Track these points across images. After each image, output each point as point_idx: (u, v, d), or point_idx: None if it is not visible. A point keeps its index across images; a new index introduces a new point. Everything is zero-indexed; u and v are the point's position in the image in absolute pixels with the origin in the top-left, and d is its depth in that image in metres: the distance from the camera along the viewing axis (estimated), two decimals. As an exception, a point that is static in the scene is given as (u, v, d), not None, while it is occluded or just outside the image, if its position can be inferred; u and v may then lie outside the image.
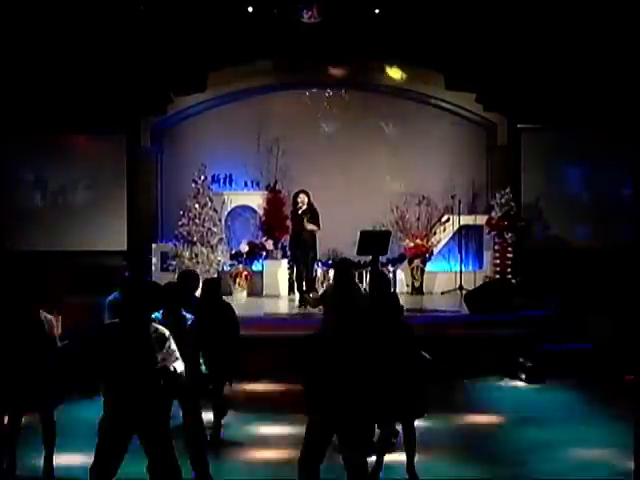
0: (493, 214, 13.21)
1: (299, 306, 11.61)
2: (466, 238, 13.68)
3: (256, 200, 13.91)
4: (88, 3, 12.19)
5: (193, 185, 13.13)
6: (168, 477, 4.93)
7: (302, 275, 11.74)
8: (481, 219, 13.55)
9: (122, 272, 8.32)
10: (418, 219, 13.65)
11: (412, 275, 13.17)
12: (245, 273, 13.12)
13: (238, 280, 13.07)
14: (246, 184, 14.04)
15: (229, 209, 13.94)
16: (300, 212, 11.76)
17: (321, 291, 11.40)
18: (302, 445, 5.14)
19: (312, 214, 11.72)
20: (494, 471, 6.32)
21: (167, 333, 4.99)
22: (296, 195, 11.90)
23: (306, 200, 11.73)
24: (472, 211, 14.00)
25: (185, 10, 12.35)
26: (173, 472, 4.94)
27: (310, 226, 11.62)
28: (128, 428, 4.85)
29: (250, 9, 12.46)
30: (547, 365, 9.21)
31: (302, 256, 11.76)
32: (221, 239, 13.27)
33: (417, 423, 6.19)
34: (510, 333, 9.84)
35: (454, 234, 13.53)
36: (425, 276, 13.21)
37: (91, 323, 8.00)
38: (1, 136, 13.44)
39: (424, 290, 13.15)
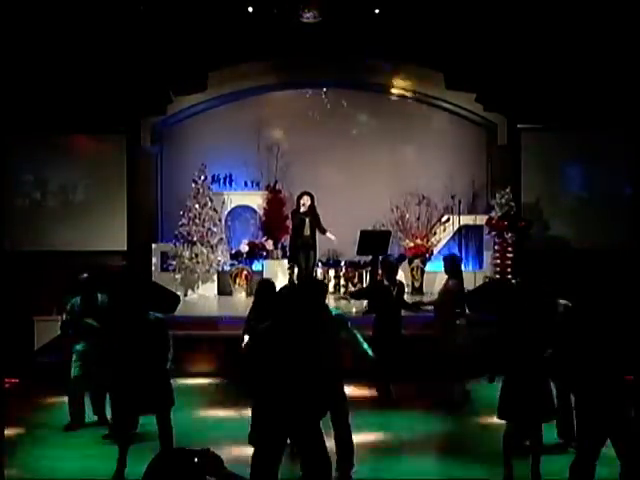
0: (493, 214, 13.20)
1: None
2: (466, 238, 13.66)
3: (256, 200, 13.92)
4: (88, 3, 12.19)
5: (193, 185, 13.14)
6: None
7: (302, 275, 11.73)
8: (481, 219, 13.53)
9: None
10: (418, 219, 13.61)
11: (412, 275, 13.14)
12: (245, 273, 13.13)
13: (238, 280, 13.09)
14: (246, 184, 14.05)
15: (229, 209, 13.95)
16: (300, 212, 11.75)
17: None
18: None
19: (313, 217, 11.70)
20: (494, 471, 6.33)
21: None
22: (300, 196, 11.88)
23: (309, 203, 11.70)
24: (472, 211, 13.99)
25: (185, 10, 12.35)
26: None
27: (329, 234, 11.75)
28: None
29: (250, 9, 12.46)
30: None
31: (302, 256, 11.75)
32: (221, 239, 13.29)
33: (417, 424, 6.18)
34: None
35: (454, 234, 13.51)
36: (425, 276, 13.17)
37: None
38: (1, 136, 13.43)
39: (424, 290, 13.11)
